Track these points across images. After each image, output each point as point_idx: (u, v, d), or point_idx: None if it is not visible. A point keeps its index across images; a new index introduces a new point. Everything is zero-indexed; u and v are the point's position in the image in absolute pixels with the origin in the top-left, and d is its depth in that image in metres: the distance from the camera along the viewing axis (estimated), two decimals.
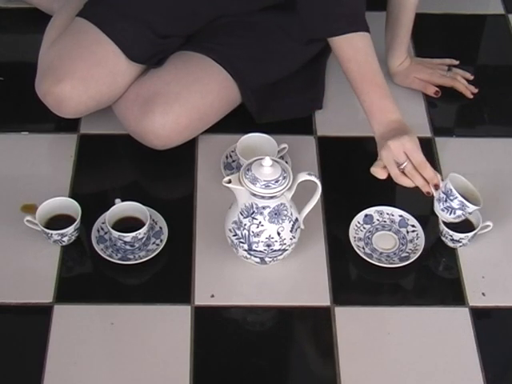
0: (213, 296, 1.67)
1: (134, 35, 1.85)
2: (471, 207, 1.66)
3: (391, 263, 1.71)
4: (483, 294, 1.69)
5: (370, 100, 1.72)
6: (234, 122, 1.95)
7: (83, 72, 1.81)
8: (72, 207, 1.73)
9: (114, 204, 1.73)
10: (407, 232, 1.76)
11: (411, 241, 1.74)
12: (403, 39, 2.00)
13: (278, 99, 1.98)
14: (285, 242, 1.64)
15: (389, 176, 1.70)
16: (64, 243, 1.72)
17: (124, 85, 1.86)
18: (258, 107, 1.93)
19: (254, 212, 1.61)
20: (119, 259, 1.70)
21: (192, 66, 1.88)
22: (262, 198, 1.59)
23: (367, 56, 1.72)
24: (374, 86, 1.72)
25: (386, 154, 1.67)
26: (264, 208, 1.61)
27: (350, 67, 1.73)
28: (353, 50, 1.72)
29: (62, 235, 1.70)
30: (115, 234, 1.68)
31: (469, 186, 1.70)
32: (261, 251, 1.64)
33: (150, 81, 1.86)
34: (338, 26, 1.71)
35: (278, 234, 1.63)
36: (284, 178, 1.60)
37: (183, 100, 1.83)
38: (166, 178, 1.91)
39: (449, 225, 1.71)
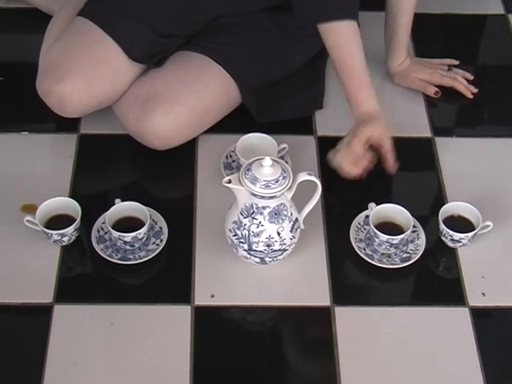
0: (213, 296, 1.67)
1: (134, 34, 1.85)
2: (386, 237, 1.68)
3: (392, 264, 1.71)
4: (483, 294, 1.69)
5: (348, 91, 1.77)
6: (234, 122, 1.95)
7: (85, 71, 1.81)
8: (72, 207, 1.73)
9: (114, 204, 1.73)
10: None
11: (412, 241, 1.74)
12: (402, 39, 2.00)
13: (278, 99, 1.98)
14: (285, 241, 1.64)
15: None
16: (64, 243, 1.72)
17: (125, 84, 1.86)
18: (258, 107, 1.93)
19: (254, 212, 1.61)
20: (119, 259, 1.70)
21: (192, 66, 1.88)
22: (262, 197, 1.59)
23: (348, 45, 1.73)
24: (351, 76, 1.75)
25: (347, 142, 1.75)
26: (264, 208, 1.61)
27: (332, 56, 1.76)
28: (335, 38, 1.74)
29: (62, 235, 1.70)
30: (115, 234, 1.68)
31: (391, 213, 1.73)
32: (261, 251, 1.64)
33: (151, 81, 1.86)
34: (322, 13, 1.72)
35: (278, 233, 1.63)
36: (284, 177, 1.60)
37: (183, 100, 1.83)
38: (166, 177, 1.91)
39: (448, 225, 1.72)
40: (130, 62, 1.86)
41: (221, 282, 1.70)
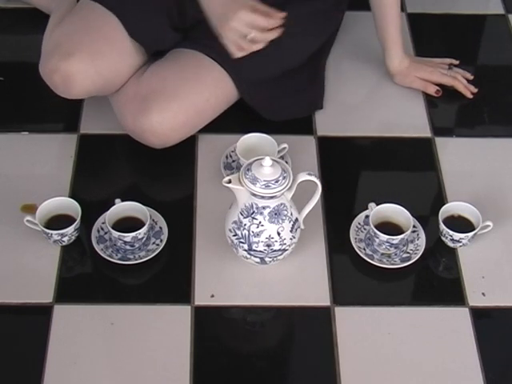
0: (213, 296, 1.67)
1: (135, 11, 1.85)
2: (386, 237, 1.68)
3: (392, 264, 1.71)
4: (483, 294, 1.69)
5: None
6: (234, 122, 1.95)
7: (91, 47, 1.80)
8: (72, 207, 1.73)
9: (114, 204, 1.73)
10: None
11: (412, 241, 1.74)
12: (395, 37, 1.98)
13: (277, 99, 1.98)
14: (285, 241, 1.64)
15: None
16: (64, 243, 1.72)
17: (128, 68, 1.85)
18: (258, 105, 1.93)
19: (254, 212, 1.61)
20: (119, 259, 1.70)
21: (188, 63, 1.88)
22: (262, 197, 1.59)
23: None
24: None
25: None
26: (264, 208, 1.61)
27: None
28: None
29: (62, 235, 1.70)
30: (115, 234, 1.68)
31: (392, 214, 1.73)
32: (261, 251, 1.64)
33: (148, 79, 1.86)
34: None
35: (278, 233, 1.63)
36: (284, 177, 1.60)
37: (180, 97, 1.82)
38: (166, 177, 1.91)
39: (448, 225, 1.72)
40: (133, 44, 1.85)
41: (221, 282, 1.70)
